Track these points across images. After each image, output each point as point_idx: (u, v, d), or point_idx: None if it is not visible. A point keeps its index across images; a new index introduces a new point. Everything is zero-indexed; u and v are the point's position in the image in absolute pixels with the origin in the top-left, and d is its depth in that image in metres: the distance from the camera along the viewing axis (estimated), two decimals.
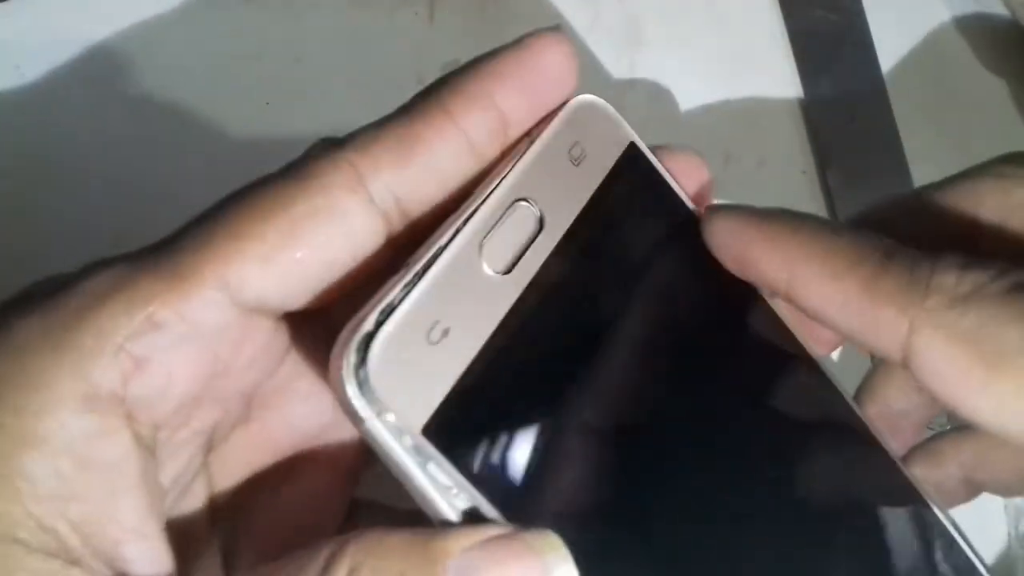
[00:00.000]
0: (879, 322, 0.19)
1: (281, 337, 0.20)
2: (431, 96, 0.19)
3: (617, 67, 0.38)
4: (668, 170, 0.22)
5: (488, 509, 0.17)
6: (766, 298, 0.23)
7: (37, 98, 0.35)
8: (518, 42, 0.20)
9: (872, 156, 0.38)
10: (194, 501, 0.21)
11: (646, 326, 0.21)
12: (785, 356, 0.23)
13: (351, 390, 0.17)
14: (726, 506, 0.21)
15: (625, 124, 0.22)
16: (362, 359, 0.17)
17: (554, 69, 0.20)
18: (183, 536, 0.20)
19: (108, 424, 0.17)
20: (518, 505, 0.18)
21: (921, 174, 0.38)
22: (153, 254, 0.18)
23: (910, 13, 0.40)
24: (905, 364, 0.19)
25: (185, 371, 0.18)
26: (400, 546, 0.17)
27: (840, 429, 0.23)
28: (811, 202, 0.38)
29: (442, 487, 0.17)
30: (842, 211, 0.38)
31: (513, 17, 0.37)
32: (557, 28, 0.20)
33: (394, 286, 0.18)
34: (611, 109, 0.22)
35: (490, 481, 0.17)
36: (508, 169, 0.20)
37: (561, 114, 0.21)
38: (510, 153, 0.20)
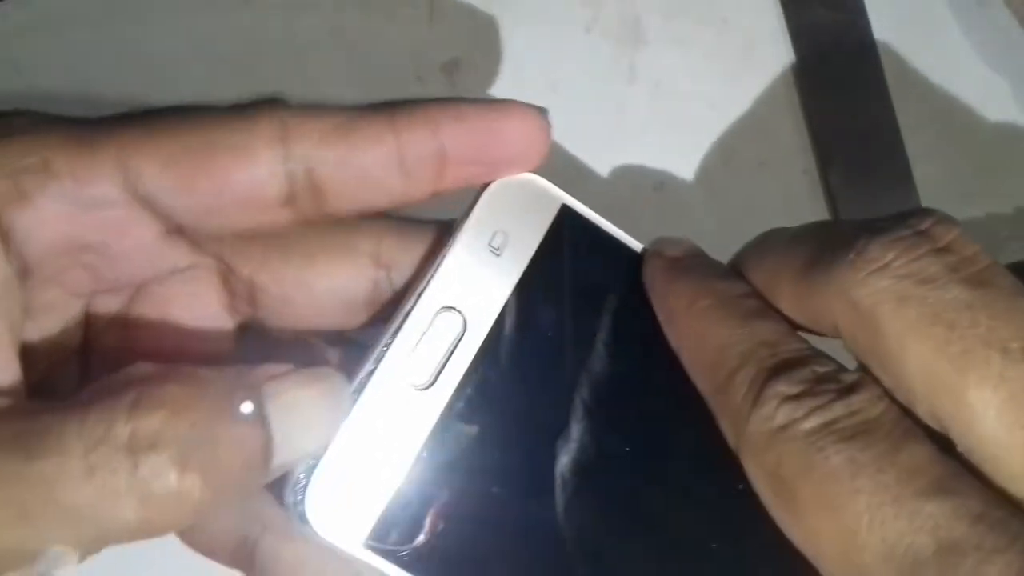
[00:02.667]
0: (722, 424, 0.20)
1: (169, 249, 0.22)
2: (383, 106, 0.21)
3: (617, 67, 0.38)
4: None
5: None
6: None
7: (37, 98, 0.35)
8: (499, 101, 0.21)
9: (873, 155, 0.38)
10: (68, 368, 0.22)
11: (574, 415, 0.22)
12: None
13: (297, 519, 0.20)
14: None
15: (553, 189, 0.22)
16: (300, 498, 0.20)
17: (514, 139, 0.21)
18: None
19: None
20: None
21: (923, 173, 0.38)
22: (76, 123, 0.20)
23: (911, 12, 0.40)
24: None
25: (59, 224, 0.19)
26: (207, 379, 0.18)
27: None
28: (812, 202, 0.38)
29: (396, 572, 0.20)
30: (844, 210, 0.37)
31: (513, 18, 0.37)
32: (543, 110, 0.21)
33: None
34: (535, 179, 0.22)
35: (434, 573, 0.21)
36: (428, 277, 0.21)
37: (476, 207, 0.21)
38: (430, 258, 0.22)
